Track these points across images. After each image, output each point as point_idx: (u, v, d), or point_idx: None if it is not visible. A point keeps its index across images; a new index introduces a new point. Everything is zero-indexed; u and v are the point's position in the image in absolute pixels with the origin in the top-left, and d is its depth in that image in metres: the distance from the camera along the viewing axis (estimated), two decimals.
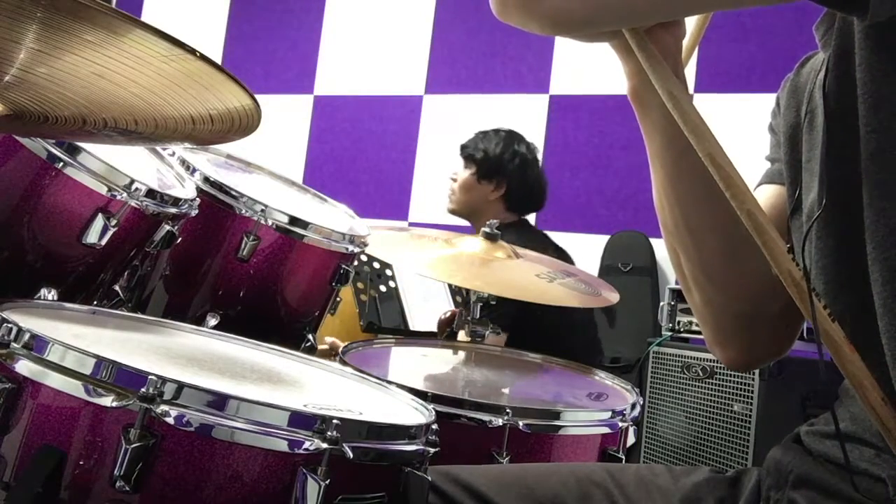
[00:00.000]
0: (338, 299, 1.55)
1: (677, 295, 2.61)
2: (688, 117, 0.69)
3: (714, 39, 3.34)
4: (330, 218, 1.54)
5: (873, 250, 0.69)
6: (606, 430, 1.26)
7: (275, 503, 0.72)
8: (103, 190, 1.03)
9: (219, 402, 0.72)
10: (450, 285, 2.72)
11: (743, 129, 3.08)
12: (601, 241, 3.48)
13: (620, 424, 1.28)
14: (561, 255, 2.47)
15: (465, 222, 2.63)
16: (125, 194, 1.05)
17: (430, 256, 1.72)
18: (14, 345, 0.74)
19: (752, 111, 3.09)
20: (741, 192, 0.68)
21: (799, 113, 0.88)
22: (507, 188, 2.45)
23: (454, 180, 2.51)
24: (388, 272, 2.50)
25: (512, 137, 2.51)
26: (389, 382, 1.07)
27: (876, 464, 0.73)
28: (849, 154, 0.71)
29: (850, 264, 0.73)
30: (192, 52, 0.59)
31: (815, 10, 0.82)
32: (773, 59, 3.19)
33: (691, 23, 0.85)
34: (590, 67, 3.61)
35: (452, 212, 2.54)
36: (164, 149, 1.31)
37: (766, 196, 0.93)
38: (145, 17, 4.47)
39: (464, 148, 2.53)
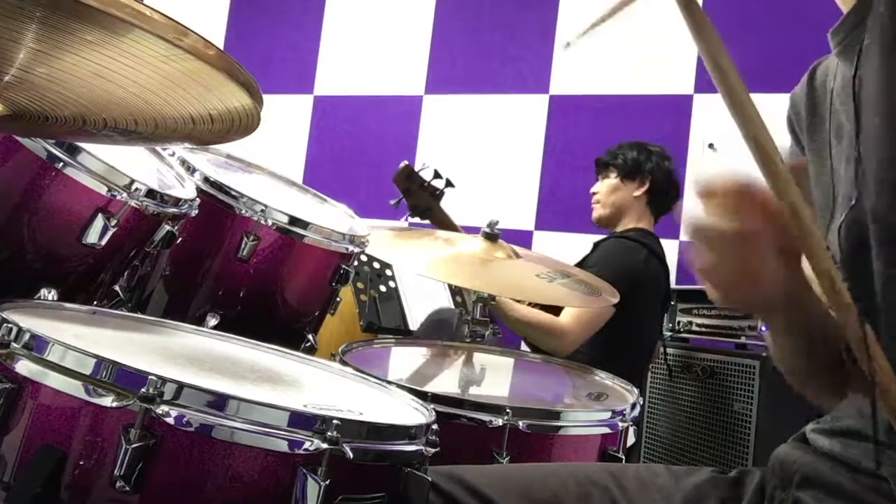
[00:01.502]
0: (338, 299, 1.55)
1: (677, 295, 2.61)
2: (735, 96, 0.65)
3: None
4: (330, 218, 1.53)
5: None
6: (606, 430, 1.26)
7: (275, 503, 0.72)
8: (103, 190, 1.03)
9: (219, 402, 0.72)
10: (450, 285, 2.72)
11: None
12: None
13: (620, 424, 1.28)
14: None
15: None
16: (125, 194, 1.05)
17: (430, 256, 1.72)
18: (14, 345, 0.74)
19: None
20: (785, 182, 0.64)
21: (825, 120, 0.88)
22: (651, 183, 2.56)
23: (595, 193, 2.65)
24: (388, 272, 2.50)
25: (641, 143, 2.65)
26: (389, 382, 1.07)
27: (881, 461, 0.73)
28: None
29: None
30: (206, 48, 0.59)
31: (816, 10, 0.82)
32: (775, 59, 3.19)
33: None
34: (590, 67, 3.61)
35: (598, 219, 2.64)
36: (164, 149, 1.30)
37: None
38: None
39: (599, 161, 2.67)
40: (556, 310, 2.34)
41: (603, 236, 2.62)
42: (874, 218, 0.75)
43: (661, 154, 2.61)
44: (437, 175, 2.65)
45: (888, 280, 0.73)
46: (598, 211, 2.63)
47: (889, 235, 0.74)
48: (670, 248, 3.27)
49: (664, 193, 2.58)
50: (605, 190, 2.60)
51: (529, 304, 2.35)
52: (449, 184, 2.65)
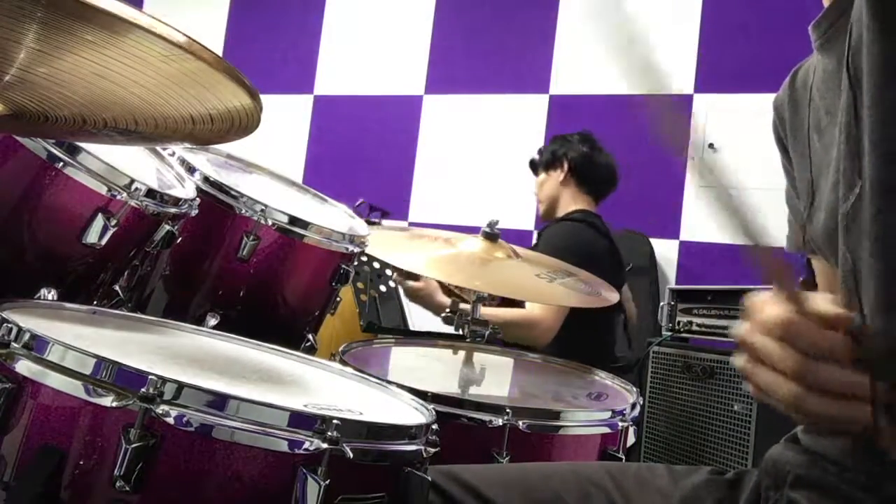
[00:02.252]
0: (338, 299, 1.55)
1: (677, 295, 2.60)
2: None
3: (714, 39, 3.34)
4: (330, 218, 1.54)
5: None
6: (606, 430, 1.26)
7: (275, 503, 0.72)
8: (103, 190, 1.03)
9: (219, 402, 0.72)
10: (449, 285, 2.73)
11: (743, 128, 3.08)
12: None
13: (620, 424, 1.28)
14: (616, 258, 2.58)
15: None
16: (125, 194, 1.05)
17: (430, 256, 1.72)
18: (14, 345, 0.74)
19: (751, 111, 3.09)
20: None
21: (805, 118, 0.88)
22: (570, 165, 2.64)
23: (536, 194, 2.76)
24: (388, 272, 2.50)
25: (561, 136, 2.75)
26: (389, 382, 1.07)
27: (869, 460, 0.73)
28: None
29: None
30: (199, 51, 0.59)
31: (815, 10, 0.82)
32: (772, 59, 3.19)
33: None
34: (590, 67, 3.61)
35: (542, 216, 2.75)
36: (164, 149, 1.30)
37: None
38: None
39: (530, 164, 2.79)
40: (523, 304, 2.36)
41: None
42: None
43: (580, 139, 2.69)
44: (372, 209, 2.75)
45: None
46: (540, 209, 2.74)
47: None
48: (671, 248, 3.28)
49: (586, 173, 2.65)
50: (538, 187, 2.72)
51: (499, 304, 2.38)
52: (385, 215, 2.75)
